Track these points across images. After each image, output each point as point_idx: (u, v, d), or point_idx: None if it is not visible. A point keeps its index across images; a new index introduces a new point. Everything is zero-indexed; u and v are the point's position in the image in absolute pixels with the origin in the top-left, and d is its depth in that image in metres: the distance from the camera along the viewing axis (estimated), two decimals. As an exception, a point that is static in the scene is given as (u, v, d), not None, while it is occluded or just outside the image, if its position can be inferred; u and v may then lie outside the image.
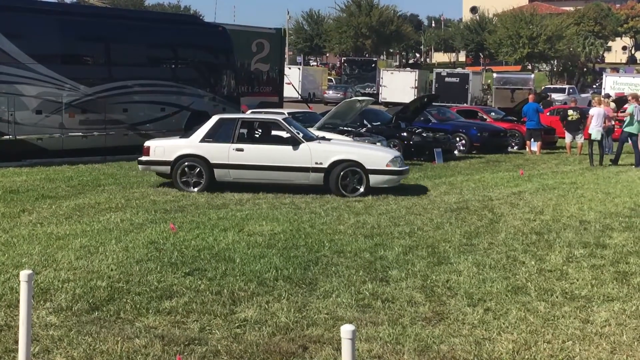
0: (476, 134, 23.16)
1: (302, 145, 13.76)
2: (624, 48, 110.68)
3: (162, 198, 12.84)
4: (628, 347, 5.91)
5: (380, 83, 57.77)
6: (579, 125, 22.22)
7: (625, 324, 6.44)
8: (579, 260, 8.63)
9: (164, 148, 14.13)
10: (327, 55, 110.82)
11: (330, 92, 58.45)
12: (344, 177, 13.58)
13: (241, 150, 13.82)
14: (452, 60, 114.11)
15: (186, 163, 13.80)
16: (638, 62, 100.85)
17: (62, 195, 12.94)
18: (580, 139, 22.58)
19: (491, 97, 53.51)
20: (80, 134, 18.87)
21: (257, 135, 15.06)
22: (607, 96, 26.41)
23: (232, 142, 13.90)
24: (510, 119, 26.94)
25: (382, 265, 8.19)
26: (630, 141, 19.63)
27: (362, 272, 7.88)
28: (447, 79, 53.14)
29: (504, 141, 24.19)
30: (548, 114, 29.03)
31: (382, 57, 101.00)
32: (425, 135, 20.62)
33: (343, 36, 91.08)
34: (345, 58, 79.47)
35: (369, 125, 20.68)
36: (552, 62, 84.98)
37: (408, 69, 73.80)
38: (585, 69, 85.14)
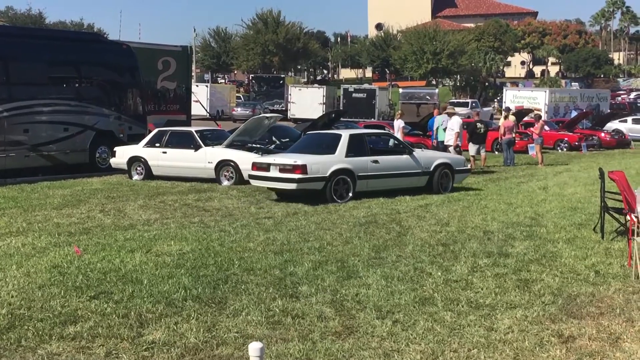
0: (384, 148, 23.48)
1: (414, 154, 16.24)
2: (523, 63, 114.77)
3: (66, 220, 12.50)
4: (530, 353, 6.11)
5: (289, 99, 57.92)
6: (485, 137, 22.89)
7: (527, 330, 6.65)
8: (483, 269, 8.87)
9: (319, 165, 14.75)
10: (235, 72, 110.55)
11: (239, 109, 58.15)
12: (442, 178, 16.31)
13: (376, 162, 15.53)
14: (358, 76, 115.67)
15: (338, 177, 14.89)
16: (536, 76, 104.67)
17: (-41, 221, 12.43)
18: (483, 151, 23.25)
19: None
20: (-22, 156, 18.20)
21: (380, 148, 16.62)
22: (508, 109, 27.21)
23: (368, 156, 15.47)
24: (417, 133, 27.48)
25: (292, 282, 8.20)
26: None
27: (272, 289, 7.87)
28: (354, 95, 53.82)
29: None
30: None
31: (290, 73, 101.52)
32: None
33: (250, 53, 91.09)
34: (253, 75, 79.50)
35: (277, 142, 20.72)
36: (455, 77, 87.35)
37: (316, 85, 74.39)
38: (486, 84, 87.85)
